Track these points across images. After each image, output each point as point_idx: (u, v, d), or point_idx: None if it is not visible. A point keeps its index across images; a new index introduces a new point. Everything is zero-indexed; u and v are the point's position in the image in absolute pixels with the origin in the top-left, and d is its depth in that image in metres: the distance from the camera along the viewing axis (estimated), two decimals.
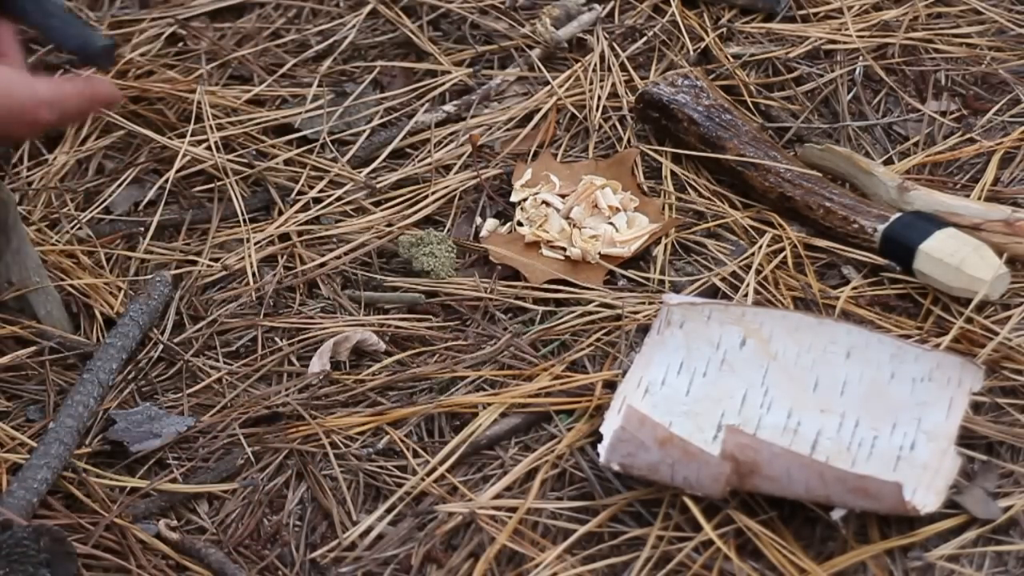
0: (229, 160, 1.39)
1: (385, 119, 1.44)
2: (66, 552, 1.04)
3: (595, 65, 1.46)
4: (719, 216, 1.32)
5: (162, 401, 1.19)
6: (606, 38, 1.49)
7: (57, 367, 1.21)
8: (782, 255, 1.28)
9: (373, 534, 1.09)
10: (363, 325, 1.23)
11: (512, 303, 1.25)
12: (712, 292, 1.26)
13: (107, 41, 1.18)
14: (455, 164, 1.39)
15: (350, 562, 1.08)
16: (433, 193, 1.35)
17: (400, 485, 1.12)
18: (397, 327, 1.24)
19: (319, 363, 1.20)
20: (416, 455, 1.14)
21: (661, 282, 1.27)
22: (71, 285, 1.27)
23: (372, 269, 1.29)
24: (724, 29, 1.51)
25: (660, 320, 1.17)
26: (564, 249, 1.29)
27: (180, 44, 1.53)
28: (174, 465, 1.15)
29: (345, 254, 1.30)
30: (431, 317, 1.25)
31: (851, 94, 1.43)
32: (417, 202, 1.35)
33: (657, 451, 1.04)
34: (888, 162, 1.37)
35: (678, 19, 1.52)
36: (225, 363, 1.22)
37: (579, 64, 1.47)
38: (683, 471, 1.05)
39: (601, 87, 1.44)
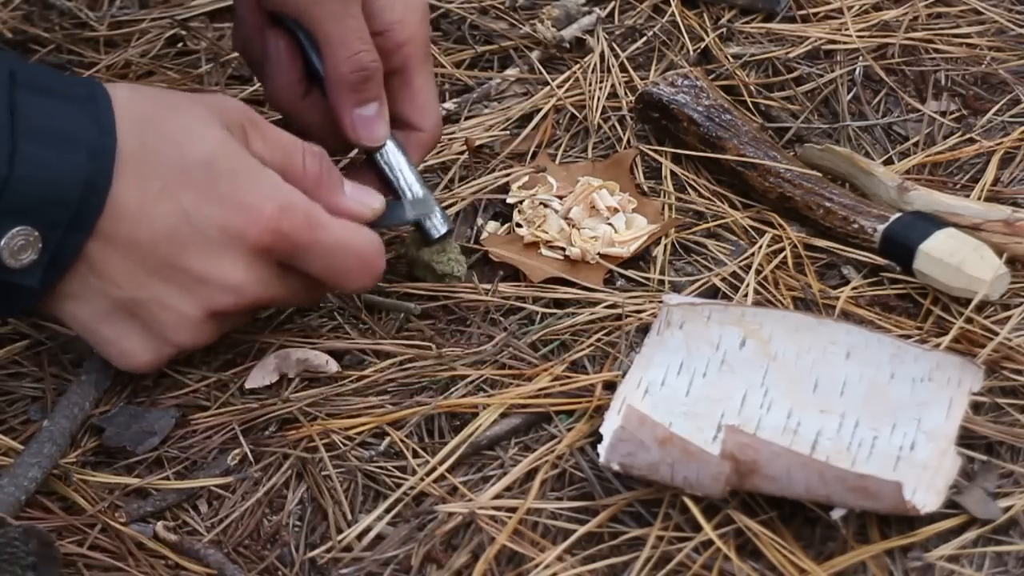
0: None
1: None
2: (51, 556, 1.03)
3: (595, 65, 1.46)
4: (719, 216, 1.32)
5: (150, 400, 1.19)
6: (606, 38, 1.49)
7: (55, 366, 1.21)
8: (782, 255, 1.28)
9: (373, 534, 1.09)
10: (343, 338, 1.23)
11: (512, 303, 1.25)
12: (712, 292, 1.26)
13: (445, 230, 1.24)
14: (454, 164, 1.39)
15: (350, 562, 1.08)
16: (432, 193, 1.35)
17: (400, 485, 1.12)
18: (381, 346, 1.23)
19: (261, 377, 1.19)
20: (416, 455, 1.14)
21: (661, 282, 1.27)
22: None
23: None
24: (724, 29, 1.51)
25: (660, 321, 1.17)
26: (563, 249, 1.29)
27: (180, 44, 1.53)
28: (171, 466, 1.15)
29: None
30: (434, 320, 1.25)
31: (851, 94, 1.44)
32: None
33: (657, 451, 1.04)
34: (888, 162, 1.37)
35: (678, 19, 1.52)
36: (224, 365, 1.22)
37: (578, 65, 1.47)
38: (683, 471, 1.04)
39: (601, 88, 1.44)
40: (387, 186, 1.24)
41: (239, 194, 1.10)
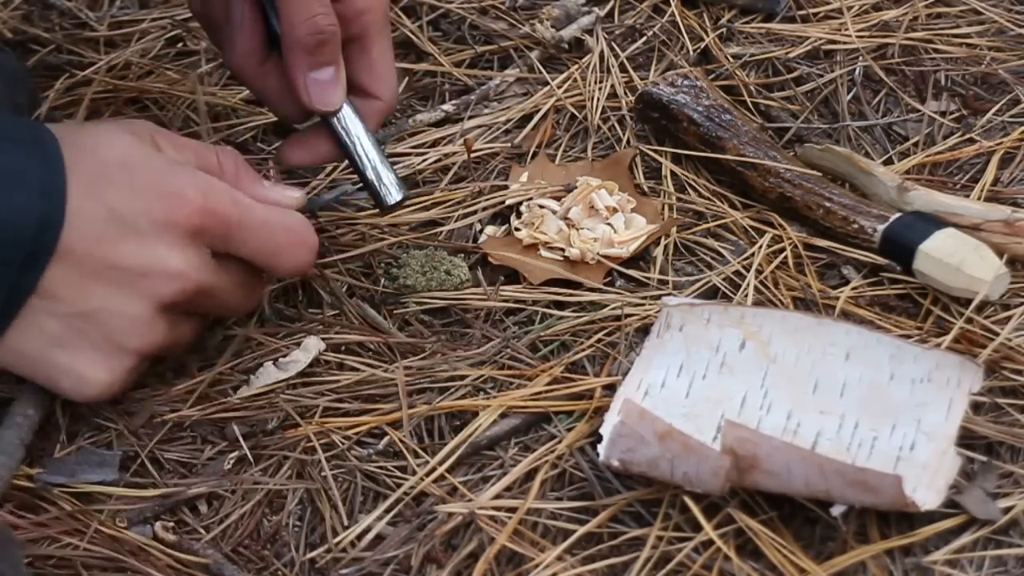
0: None
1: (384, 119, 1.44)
2: (9, 539, 1.03)
3: (594, 65, 1.46)
4: (719, 216, 1.32)
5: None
6: (605, 38, 1.49)
7: None
8: (782, 255, 1.28)
9: (372, 534, 1.09)
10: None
11: (512, 304, 1.25)
12: (712, 292, 1.26)
13: (399, 196, 1.22)
14: (454, 165, 1.39)
15: (350, 562, 1.08)
16: (431, 194, 1.35)
17: (399, 485, 1.12)
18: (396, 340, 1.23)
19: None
20: (416, 455, 1.14)
21: (661, 282, 1.27)
22: None
23: (372, 277, 1.29)
24: (724, 29, 1.51)
25: (659, 323, 1.17)
26: (562, 250, 1.29)
27: (180, 44, 1.53)
28: (170, 466, 1.15)
29: (342, 263, 1.29)
30: (434, 321, 1.25)
31: (851, 94, 1.43)
32: (417, 204, 1.35)
33: (657, 445, 1.04)
34: (888, 162, 1.37)
35: (678, 19, 1.52)
36: (222, 364, 1.21)
37: (578, 65, 1.47)
38: (683, 466, 1.04)
39: (600, 88, 1.44)
40: (343, 152, 1.23)
41: (161, 183, 1.10)
